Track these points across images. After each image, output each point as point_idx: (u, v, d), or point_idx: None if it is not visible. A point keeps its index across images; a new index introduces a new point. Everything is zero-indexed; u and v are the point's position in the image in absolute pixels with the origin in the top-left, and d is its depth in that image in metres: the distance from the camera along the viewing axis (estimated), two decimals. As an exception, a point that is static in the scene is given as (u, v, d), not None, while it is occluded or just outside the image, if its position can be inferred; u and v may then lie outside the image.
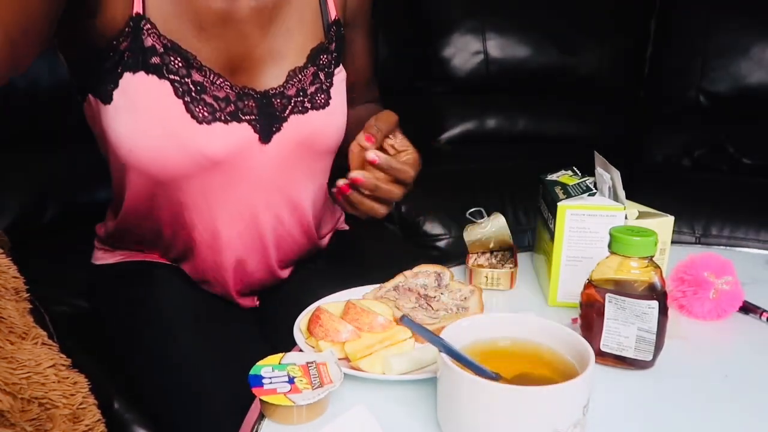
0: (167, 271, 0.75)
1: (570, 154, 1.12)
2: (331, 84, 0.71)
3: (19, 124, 1.02)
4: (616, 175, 0.73)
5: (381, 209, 0.62)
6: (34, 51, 0.47)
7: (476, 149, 1.77)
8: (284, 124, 0.67)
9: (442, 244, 1.29)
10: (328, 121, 0.70)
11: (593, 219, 0.73)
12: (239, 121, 0.64)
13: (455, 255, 0.84)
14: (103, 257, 0.81)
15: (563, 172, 0.86)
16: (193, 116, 0.61)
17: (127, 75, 0.59)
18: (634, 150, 1.72)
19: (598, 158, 0.78)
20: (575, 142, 1.74)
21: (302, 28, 0.68)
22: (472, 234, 0.81)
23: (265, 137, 0.66)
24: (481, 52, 1.83)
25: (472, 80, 1.85)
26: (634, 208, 0.76)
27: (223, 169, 0.65)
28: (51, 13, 0.48)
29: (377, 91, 0.89)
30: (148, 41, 0.58)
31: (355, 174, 0.59)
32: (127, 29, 0.57)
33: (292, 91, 0.67)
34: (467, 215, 0.84)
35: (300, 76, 0.68)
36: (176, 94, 0.60)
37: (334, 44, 0.71)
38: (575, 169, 0.86)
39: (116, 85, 0.59)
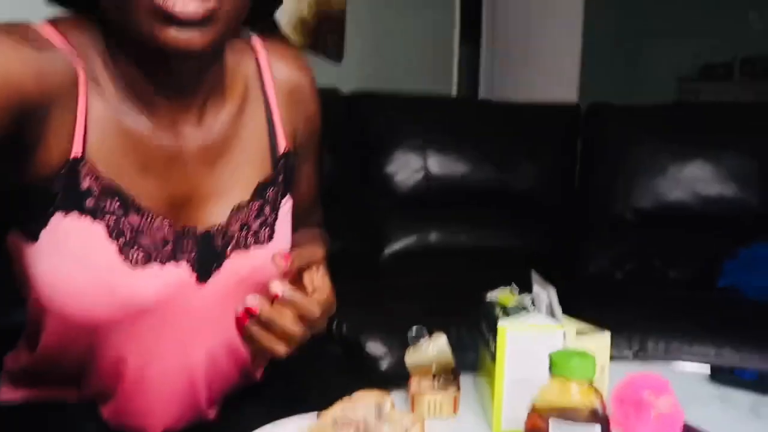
0: (82, 415, 0.67)
1: (510, 266, 1.15)
2: (276, 217, 0.68)
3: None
4: (553, 292, 0.75)
5: (279, 348, 0.56)
6: None
7: (419, 263, 1.79)
8: (225, 262, 0.64)
9: (384, 364, 1.26)
10: (270, 257, 0.65)
11: (533, 339, 0.73)
12: (177, 260, 0.60)
13: (400, 376, 0.81)
14: (7, 394, 0.71)
15: (502, 289, 0.87)
16: (127, 259, 0.57)
17: (58, 215, 0.55)
18: (568, 263, 1.78)
19: (535, 276, 0.80)
20: (514, 255, 1.79)
21: (250, 163, 0.66)
22: (413, 357, 0.80)
23: (203, 277, 0.62)
24: (422, 169, 1.90)
25: (413, 195, 1.90)
26: (572, 324, 0.77)
27: (155, 314, 0.61)
28: None
29: (320, 213, 0.87)
30: (85, 183, 0.55)
31: (251, 302, 0.55)
32: (62, 171, 0.54)
33: (235, 227, 0.64)
34: (409, 336, 0.83)
35: (244, 211, 0.65)
36: (110, 236, 0.56)
37: (281, 176, 0.69)
38: (514, 285, 0.87)
39: (45, 225, 0.55)
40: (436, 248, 1.88)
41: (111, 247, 0.57)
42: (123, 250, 0.57)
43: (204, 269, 0.62)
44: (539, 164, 2.01)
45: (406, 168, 1.90)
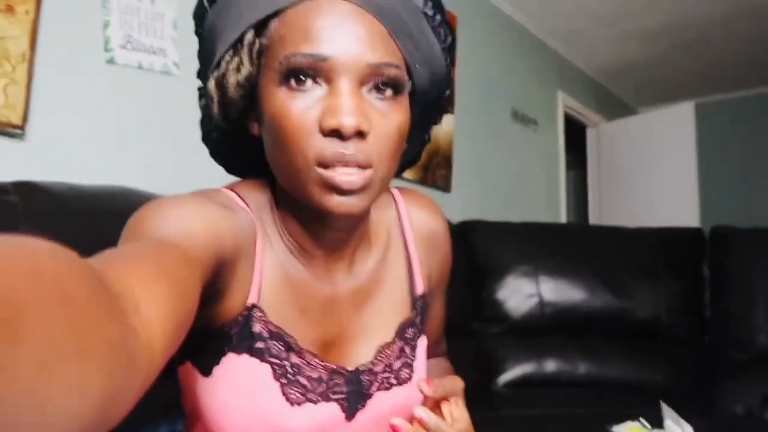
0: None
1: (635, 402, 1.08)
2: (415, 357, 0.71)
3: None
4: (689, 430, 0.70)
5: None
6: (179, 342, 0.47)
7: (535, 393, 1.71)
8: (368, 401, 0.66)
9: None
10: (410, 395, 0.68)
11: (671, 478, 0.68)
12: (328, 400, 0.64)
13: None
14: None
15: (630, 423, 0.83)
16: (287, 398, 0.61)
17: (231, 355, 0.60)
18: (705, 399, 1.62)
19: (667, 410, 0.75)
20: (640, 389, 1.67)
21: (392, 305, 0.70)
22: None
23: (350, 415, 0.65)
24: (536, 295, 1.88)
25: (527, 322, 1.87)
26: (716, 466, 0.71)
27: None
28: (196, 305, 0.49)
29: (445, 346, 0.90)
30: (257, 327, 0.61)
31: (395, 421, 0.57)
32: (240, 318, 0.60)
33: (379, 368, 0.67)
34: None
35: (387, 352, 0.68)
36: (274, 376, 0.61)
37: (419, 317, 0.72)
38: (642, 420, 0.82)
39: (218, 362, 0.60)
40: (553, 378, 1.79)
41: (275, 386, 0.61)
42: (284, 390, 0.61)
43: (351, 408, 0.65)
44: (662, 291, 1.92)
45: (518, 294, 1.89)
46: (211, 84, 0.60)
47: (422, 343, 0.72)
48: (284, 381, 0.61)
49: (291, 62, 0.53)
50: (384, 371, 0.68)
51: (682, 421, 0.72)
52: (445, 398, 0.62)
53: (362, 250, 0.68)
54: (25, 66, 1.34)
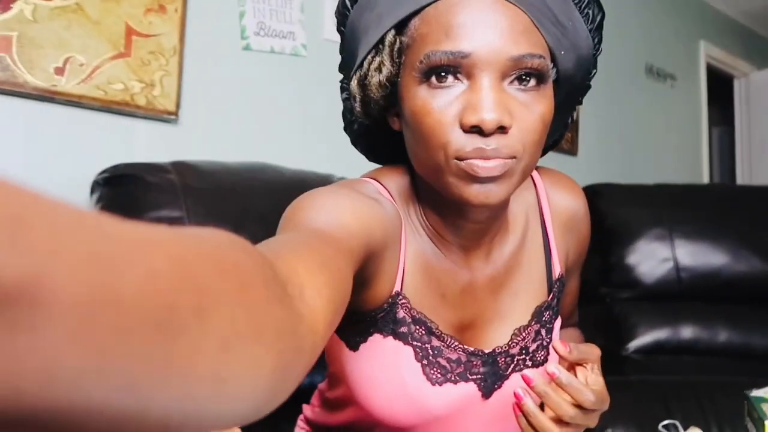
0: None
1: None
2: (551, 339, 0.71)
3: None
4: (836, 393, 0.67)
5: (552, 428, 0.58)
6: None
7: (669, 360, 1.65)
8: (505, 382, 0.69)
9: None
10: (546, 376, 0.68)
11: (812, 442, 0.66)
12: (466, 380, 0.67)
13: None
14: None
15: (770, 387, 0.79)
16: (428, 378, 0.65)
17: (377, 336, 0.65)
18: None
19: (812, 374, 0.72)
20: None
21: (528, 289, 0.70)
22: (665, 449, 0.76)
23: (487, 395, 0.68)
24: (670, 259, 1.79)
25: (660, 287, 1.79)
26: None
27: (443, 423, 0.68)
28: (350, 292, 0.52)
29: (577, 317, 0.91)
30: (401, 313, 0.64)
31: (528, 373, 0.59)
32: (386, 305, 0.64)
33: (515, 350, 0.69)
34: (660, 428, 0.79)
35: (524, 335, 0.70)
36: (416, 358, 0.65)
37: (556, 300, 0.72)
38: (785, 384, 0.78)
39: (365, 340, 0.65)
40: (689, 345, 1.71)
41: (417, 367, 0.65)
42: (425, 371, 0.66)
43: (488, 388, 0.68)
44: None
45: (651, 258, 1.81)
46: (354, 84, 0.62)
47: (558, 325, 0.73)
48: (425, 362, 0.65)
49: (432, 60, 0.54)
50: (520, 353, 0.69)
51: (830, 387, 0.69)
52: (580, 363, 0.62)
53: (500, 237, 0.69)
54: (176, 59, 1.50)
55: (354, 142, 0.73)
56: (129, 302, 0.18)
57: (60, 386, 0.17)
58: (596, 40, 0.62)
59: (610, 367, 1.59)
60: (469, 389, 0.67)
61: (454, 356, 0.67)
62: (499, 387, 0.68)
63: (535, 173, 0.74)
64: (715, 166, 4.48)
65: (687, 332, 1.72)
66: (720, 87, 4.02)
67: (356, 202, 0.57)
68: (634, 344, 1.74)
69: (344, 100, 0.69)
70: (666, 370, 1.53)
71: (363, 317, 0.65)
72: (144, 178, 1.23)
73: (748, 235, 1.80)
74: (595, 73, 0.66)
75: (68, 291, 0.16)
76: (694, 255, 1.78)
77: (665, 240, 1.80)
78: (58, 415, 0.17)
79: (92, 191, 1.29)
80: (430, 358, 0.65)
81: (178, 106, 1.50)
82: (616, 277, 1.85)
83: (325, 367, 0.87)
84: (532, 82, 0.55)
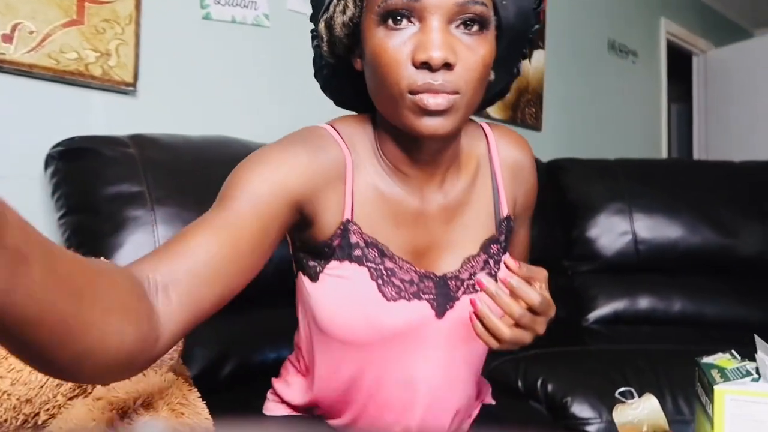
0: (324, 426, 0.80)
1: (733, 340, 1.05)
2: (498, 269, 0.78)
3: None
4: (782, 360, 0.70)
5: (503, 329, 0.64)
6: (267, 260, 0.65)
7: (627, 330, 1.70)
8: (456, 303, 0.75)
9: (592, 428, 1.22)
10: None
11: (758, 406, 0.69)
12: (419, 299, 0.73)
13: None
14: (274, 409, 0.89)
15: (721, 355, 0.82)
16: (383, 295, 0.71)
17: (333, 262, 0.71)
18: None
19: (760, 343, 0.75)
20: (739, 328, 1.61)
21: (477, 224, 0.78)
22: (622, 415, 0.79)
23: (440, 313, 0.74)
24: (629, 232, 1.84)
25: (620, 260, 1.84)
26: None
27: (401, 341, 0.74)
28: (278, 240, 0.65)
29: None
30: (353, 238, 0.71)
31: (480, 276, 0.65)
32: (338, 231, 0.71)
33: (465, 275, 0.75)
34: (616, 395, 0.82)
35: (473, 263, 0.76)
36: (371, 277, 0.71)
37: (503, 236, 0.79)
38: (734, 352, 0.82)
39: (323, 269, 0.72)
40: (646, 315, 1.77)
41: (372, 285, 0.71)
42: (381, 288, 0.71)
43: (441, 307, 0.74)
44: (769, 227, 1.81)
45: (611, 232, 1.85)
46: (321, 25, 0.70)
47: (506, 258, 0.78)
48: (380, 281, 0.71)
49: (388, 4, 0.62)
50: (469, 278, 0.75)
51: (776, 354, 0.72)
52: (529, 281, 0.67)
53: (453, 173, 0.76)
54: (133, 27, 1.45)
55: (323, 87, 0.80)
56: (63, 275, 0.40)
57: (23, 299, 0.37)
58: None
59: (571, 337, 1.64)
60: (422, 307, 0.73)
61: (407, 277, 0.72)
62: (451, 307, 0.74)
63: (487, 128, 0.82)
64: (673, 142, 4.60)
65: (644, 303, 1.78)
66: (679, 64, 4.10)
67: (279, 165, 0.66)
68: (594, 315, 1.79)
69: (314, 48, 0.76)
70: (624, 339, 1.58)
71: (320, 249, 0.72)
72: (102, 152, 1.20)
73: (703, 209, 1.86)
74: (537, 28, 0.74)
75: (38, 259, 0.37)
76: (651, 228, 1.83)
77: (624, 214, 1.85)
78: (13, 312, 0.37)
79: (46, 165, 1.24)
80: (384, 277, 0.71)
81: (135, 77, 1.45)
82: (577, 251, 1.89)
83: (291, 340, 0.87)
84: (475, 27, 0.63)
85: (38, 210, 1.33)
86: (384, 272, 0.71)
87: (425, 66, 0.61)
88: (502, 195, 0.79)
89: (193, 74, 1.60)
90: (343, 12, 0.67)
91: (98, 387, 0.72)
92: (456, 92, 0.62)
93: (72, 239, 1.17)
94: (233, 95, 1.68)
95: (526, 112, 2.61)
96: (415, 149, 0.71)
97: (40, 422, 0.69)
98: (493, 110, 2.43)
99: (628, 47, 3.36)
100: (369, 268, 0.71)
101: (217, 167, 1.34)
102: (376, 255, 0.71)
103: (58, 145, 1.22)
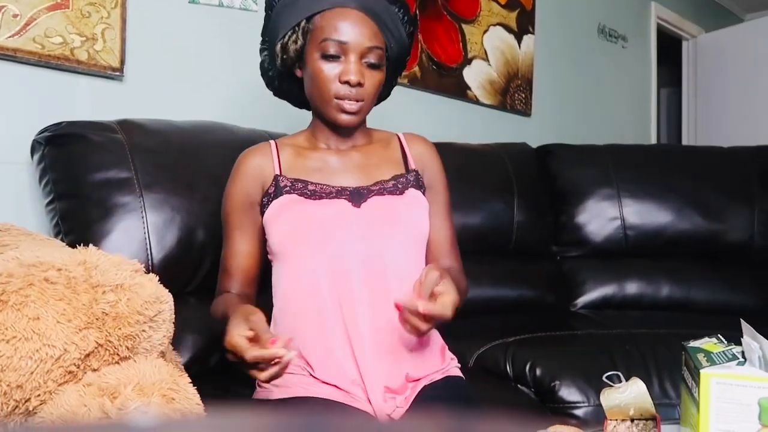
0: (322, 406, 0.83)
1: (720, 325, 1.07)
2: (407, 185, 1.04)
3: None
4: (766, 345, 0.71)
5: (422, 326, 0.85)
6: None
7: (615, 315, 1.72)
8: (369, 198, 1.01)
9: (580, 412, 1.24)
10: (402, 203, 1.02)
11: (743, 390, 0.70)
12: (338, 198, 1.01)
13: (595, 425, 0.81)
14: (262, 393, 0.96)
15: (707, 339, 0.84)
16: (308, 197, 1.00)
17: (273, 203, 1.01)
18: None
19: (746, 327, 0.76)
20: (727, 313, 1.63)
21: (388, 168, 1.07)
22: (609, 398, 0.80)
23: (357, 203, 1.01)
24: (618, 218, 1.85)
25: (608, 245, 1.85)
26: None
27: (329, 230, 0.98)
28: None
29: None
30: (283, 182, 1.02)
31: (399, 299, 0.85)
32: (272, 183, 1.03)
33: (375, 187, 1.03)
34: (604, 379, 0.83)
35: (381, 181, 1.04)
36: (299, 195, 1.00)
37: (412, 177, 1.07)
38: (720, 337, 0.83)
39: (268, 206, 1.02)
40: (634, 300, 1.79)
41: (300, 198, 1.00)
42: (307, 197, 1.00)
43: (356, 200, 1.01)
44: (758, 212, 1.83)
45: (599, 218, 1.86)
46: (278, 47, 1.03)
47: (415, 193, 1.04)
48: (306, 193, 1.00)
49: (326, 43, 0.98)
50: (379, 189, 1.03)
51: (761, 338, 0.73)
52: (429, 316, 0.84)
53: (364, 143, 1.09)
54: (119, 11, 1.42)
55: (276, 94, 1.14)
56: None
57: None
58: (410, 40, 1.08)
59: (560, 322, 1.66)
60: (341, 203, 1.00)
61: (327, 190, 1.01)
62: (366, 201, 1.00)
63: (402, 135, 1.13)
64: (662, 127, 4.61)
65: (632, 288, 1.80)
66: (669, 48, 4.10)
67: (234, 180, 1.06)
68: (582, 300, 1.81)
69: (263, 60, 1.09)
70: (612, 324, 1.60)
71: (266, 202, 1.02)
72: (89, 137, 1.18)
73: (691, 195, 1.87)
74: (409, 58, 1.13)
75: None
76: (640, 214, 1.84)
77: (613, 199, 1.86)
78: None
79: (33, 151, 1.23)
80: (308, 192, 1.00)
81: (122, 62, 1.43)
82: (566, 236, 1.90)
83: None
84: (376, 62, 1.00)
85: (26, 196, 1.31)
86: (308, 191, 1.00)
87: (346, 83, 0.97)
88: (410, 159, 1.09)
89: (180, 59, 1.58)
90: (295, 42, 1.02)
91: (89, 373, 0.73)
92: (362, 100, 0.99)
93: (60, 225, 1.16)
94: (221, 80, 1.67)
95: (515, 97, 2.60)
96: (337, 132, 1.07)
97: (31, 408, 0.70)
98: (483, 97, 2.42)
99: (618, 32, 3.36)
100: (296, 192, 1.00)
101: (206, 153, 1.34)
102: (302, 186, 1.01)
103: (44, 130, 1.20)
